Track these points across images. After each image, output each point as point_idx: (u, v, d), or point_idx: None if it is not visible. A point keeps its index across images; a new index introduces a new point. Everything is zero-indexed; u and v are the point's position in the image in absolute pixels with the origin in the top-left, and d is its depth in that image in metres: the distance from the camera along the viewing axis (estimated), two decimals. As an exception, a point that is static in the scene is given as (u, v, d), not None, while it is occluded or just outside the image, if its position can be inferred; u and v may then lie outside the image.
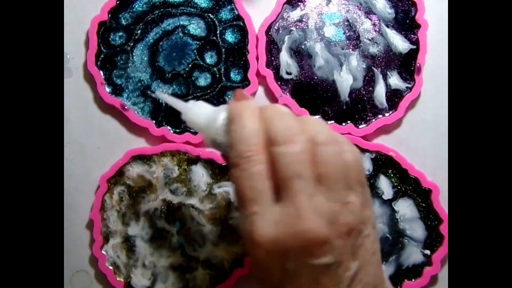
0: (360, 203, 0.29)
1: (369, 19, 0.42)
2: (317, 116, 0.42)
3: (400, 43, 0.41)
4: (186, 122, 0.33)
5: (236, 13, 0.42)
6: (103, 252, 0.42)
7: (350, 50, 0.41)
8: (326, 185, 0.28)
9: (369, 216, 0.29)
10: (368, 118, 0.41)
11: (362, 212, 0.29)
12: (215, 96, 0.42)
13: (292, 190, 0.28)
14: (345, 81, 0.41)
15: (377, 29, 0.41)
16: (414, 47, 0.41)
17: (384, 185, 0.41)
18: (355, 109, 0.41)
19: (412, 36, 0.41)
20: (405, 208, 0.41)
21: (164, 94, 0.36)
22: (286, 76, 0.42)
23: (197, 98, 0.42)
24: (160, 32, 0.42)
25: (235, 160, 0.29)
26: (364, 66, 0.41)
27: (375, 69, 0.41)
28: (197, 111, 0.32)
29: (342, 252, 0.28)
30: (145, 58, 0.42)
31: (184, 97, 0.42)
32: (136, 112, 0.42)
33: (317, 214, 0.28)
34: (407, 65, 0.41)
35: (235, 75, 0.42)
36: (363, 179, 0.29)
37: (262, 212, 0.28)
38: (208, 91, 0.42)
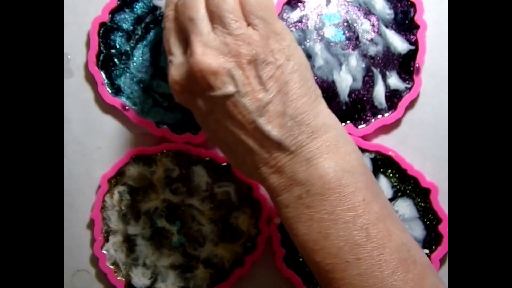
0: (260, 35, 0.30)
1: (368, 19, 0.42)
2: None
3: (399, 44, 0.41)
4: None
5: (236, 13, 0.42)
6: (103, 251, 0.42)
7: (350, 50, 0.42)
8: (217, 21, 0.30)
9: (280, 48, 0.30)
10: (368, 118, 0.42)
11: (264, 44, 0.30)
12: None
13: (187, 33, 0.31)
14: (345, 81, 0.41)
15: (376, 30, 0.42)
16: (413, 47, 0.41)
17: (384, 184, 0.41)
18: (355, 109, 0.42)
19: (411, 36, 0.41)
20: (404, 208, 0.41)
21: None
22: (286, 77, 0.42)
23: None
24: (161, 32, 0.42)
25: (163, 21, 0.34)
26: (363, 66, 0.41)
27: (374, 69, 0.41)
28: None
29: (244, 82, 0.30)
30: (146, 59, 0.42)
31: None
32: (136, 112, 0.42)
33: (207, 47, 0.30)
34: (406, 66, 0.41)
35: (235, 76, 0.42)
36: (264, 13, 0.31)
37: (173, 60, 0.32)
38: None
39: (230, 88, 0.30)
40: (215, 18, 0.30)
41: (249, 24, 0.30)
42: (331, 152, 0.30)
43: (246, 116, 0.30)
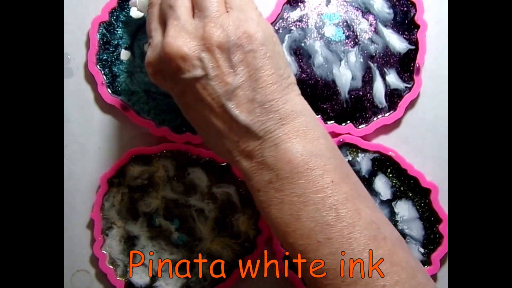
0: (234, 19, 0.31)
1: (366, 19, 0.42)
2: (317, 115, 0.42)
3: (397, 43, 0.41)
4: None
5: (236, 13, 0.42)
6: (103, 251, 0.42)
7: (349, 47, 0.42)
8: (198, 7, 0.31)
9: (253, 32, 0.31)
10: (368, 118, 0.42)
11: (238, 27, 0.30)
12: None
13: (166, 19, 0.32)
14: (344, 76, 0.41)
15: (374, 29, 0.42)
16: (413, 47, 0.41)
17: (383, 184, 0.41)
18: (355, 109, 0.42)
19: (412, 36, 0.41)
20: (404, 208, 0.41)
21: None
22: (285, 76, 0.42)
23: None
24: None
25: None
26: (362, 61, 0.41)
27: (372, 65, 0.41)
28: None
29: (214, 65, 0.30)
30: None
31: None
32: (136, 112, 0.42)
33: (181, 31, 0.31)
34: (406, 65, 0.41)
35: (235, 75, 0.42)
36: (243, 1, 0.32)
37: (151, 43, 0.33)
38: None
39: (198, 71, 0.30)
40: (198, 4, 0.31)
41: (227, 11, 0.31)
42: (299, 137, 0.31)
43: (215, 99, 0.31)
